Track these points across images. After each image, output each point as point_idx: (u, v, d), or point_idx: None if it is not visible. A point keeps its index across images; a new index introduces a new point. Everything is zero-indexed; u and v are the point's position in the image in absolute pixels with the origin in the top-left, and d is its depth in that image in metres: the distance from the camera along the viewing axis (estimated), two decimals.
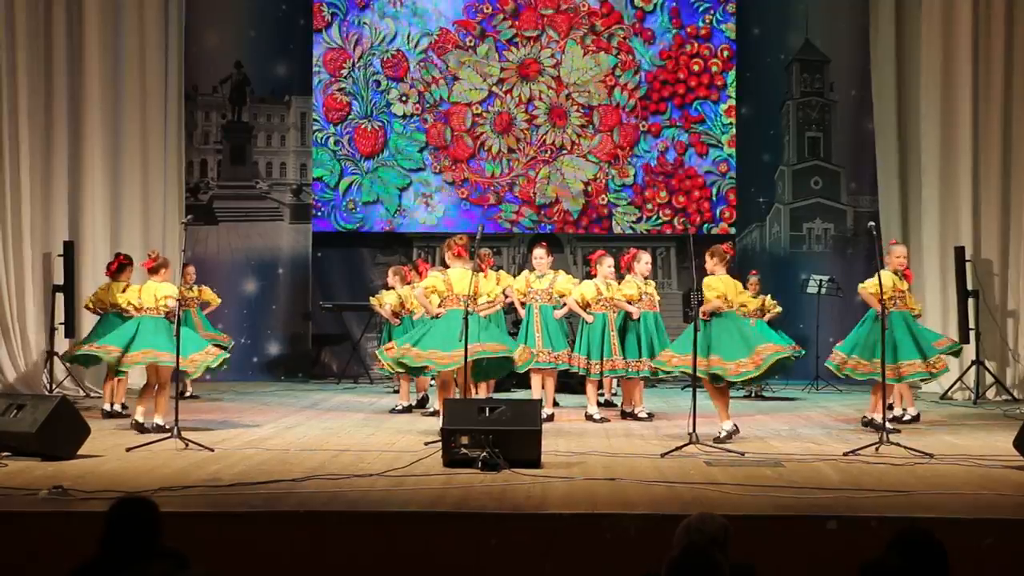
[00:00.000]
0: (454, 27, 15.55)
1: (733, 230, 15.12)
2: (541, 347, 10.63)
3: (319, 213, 15.48)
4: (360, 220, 15.55)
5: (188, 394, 12.11)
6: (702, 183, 15.42)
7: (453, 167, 15.55)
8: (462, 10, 15.53)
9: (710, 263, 9.27)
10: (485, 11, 15.55)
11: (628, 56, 15.47)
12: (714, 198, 15.38)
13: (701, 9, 15.42)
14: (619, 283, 10.75)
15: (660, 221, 15.37)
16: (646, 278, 10.67)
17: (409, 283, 11.65)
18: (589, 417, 10.52)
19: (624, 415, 10.78)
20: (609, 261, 10.67)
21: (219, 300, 13.12)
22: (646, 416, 10.57)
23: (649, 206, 15.41)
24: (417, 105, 15.53)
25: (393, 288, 11.97)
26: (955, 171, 12.90)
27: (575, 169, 15.56)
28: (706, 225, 15.22)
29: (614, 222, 15.45)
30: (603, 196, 15.48)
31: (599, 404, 11.00)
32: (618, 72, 15.48)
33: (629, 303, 10.51)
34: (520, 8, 15.56)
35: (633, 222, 15.38)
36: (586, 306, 10.49)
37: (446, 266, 9.75)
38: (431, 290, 9.44)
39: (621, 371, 10.53)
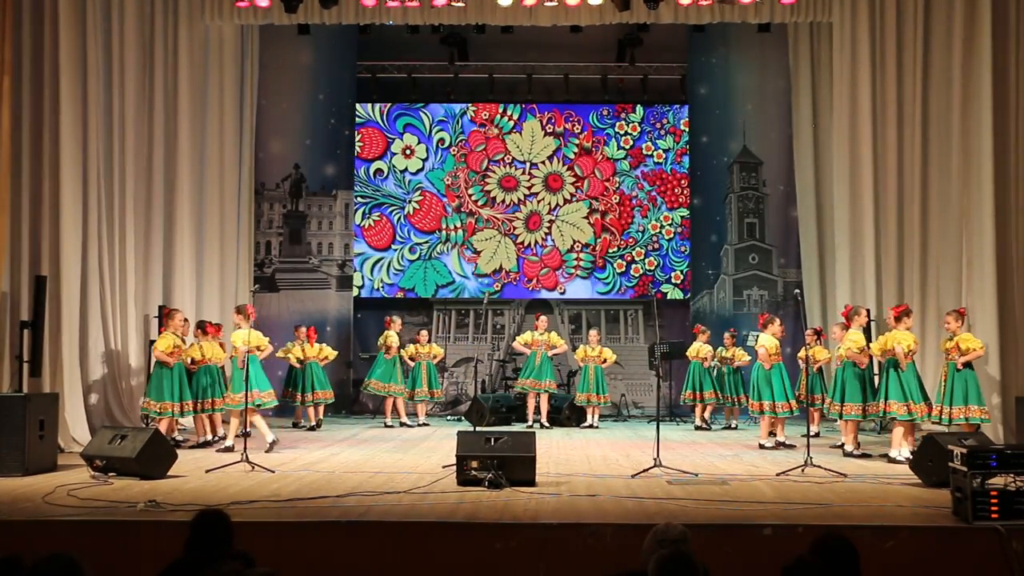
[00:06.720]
0: (548, 108, 15.59)
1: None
2: None
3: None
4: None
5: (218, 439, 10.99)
6: (623, 241, 15.50)
7: (458, 168, 15.56)
8: (560, 111, 15.62)
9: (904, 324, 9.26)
10: (574, 128, 15.60)
11: (600, 251, 15.45)
12: (618, 257, 15.48)
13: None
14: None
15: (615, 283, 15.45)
16: (864, 329, 9.75)
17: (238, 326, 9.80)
18: (849, 454, 9.60)
19: (845, 452, 9.73)
20: (864, 312, 10.00)
21: (335, 352, 13.49)
22: (861, 454, 9.69)
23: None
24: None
25: (239, 327, 9.88)
26: (861, 249, 12.92)
27: (507, 255, 15.56)
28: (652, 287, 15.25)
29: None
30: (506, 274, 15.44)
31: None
32: (586, 251, 15.51)
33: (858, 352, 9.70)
34: (588, 151, 15.62)
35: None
36: (860, 351, 9.61)
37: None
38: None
39: (859, 415, 9.66)
